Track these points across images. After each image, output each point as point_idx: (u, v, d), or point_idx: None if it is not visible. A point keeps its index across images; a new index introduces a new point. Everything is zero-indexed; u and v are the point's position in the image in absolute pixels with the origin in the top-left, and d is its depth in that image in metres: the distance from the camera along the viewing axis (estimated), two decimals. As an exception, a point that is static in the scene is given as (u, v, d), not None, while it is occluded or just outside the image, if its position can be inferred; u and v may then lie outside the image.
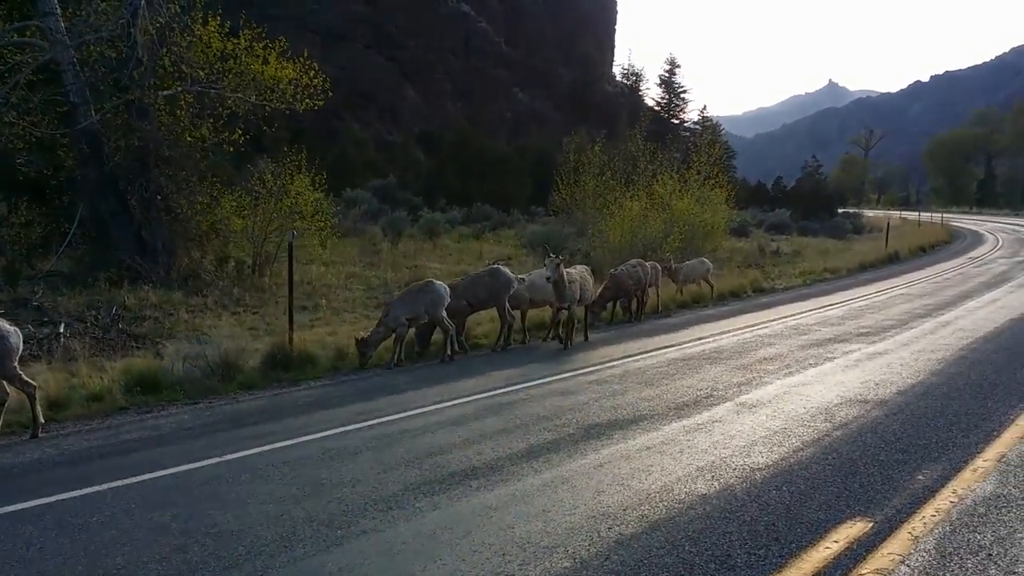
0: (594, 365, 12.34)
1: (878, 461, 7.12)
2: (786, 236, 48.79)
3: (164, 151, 21.24)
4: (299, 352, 12.61)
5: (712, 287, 22.47)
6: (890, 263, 34.51)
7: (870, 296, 22.13)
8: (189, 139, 21.58)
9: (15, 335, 8.84)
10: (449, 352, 13.20)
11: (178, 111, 21.48)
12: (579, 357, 13.18)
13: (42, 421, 8.95)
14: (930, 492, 6.32)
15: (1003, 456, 7.28)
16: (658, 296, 19.59)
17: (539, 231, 35.16)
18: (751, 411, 8.98)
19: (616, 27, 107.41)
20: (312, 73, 22.77)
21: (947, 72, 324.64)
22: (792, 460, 7.17)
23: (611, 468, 7.03)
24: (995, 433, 8.06)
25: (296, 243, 25.04)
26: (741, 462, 7.13)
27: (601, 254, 27.07)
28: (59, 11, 20.16)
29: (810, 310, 19.14)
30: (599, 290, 17.71)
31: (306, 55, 23.10)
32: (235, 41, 21.59)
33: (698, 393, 9.98)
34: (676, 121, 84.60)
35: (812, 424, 8.34)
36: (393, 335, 12.89)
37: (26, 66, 19.49)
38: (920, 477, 6.69)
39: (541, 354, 13.87)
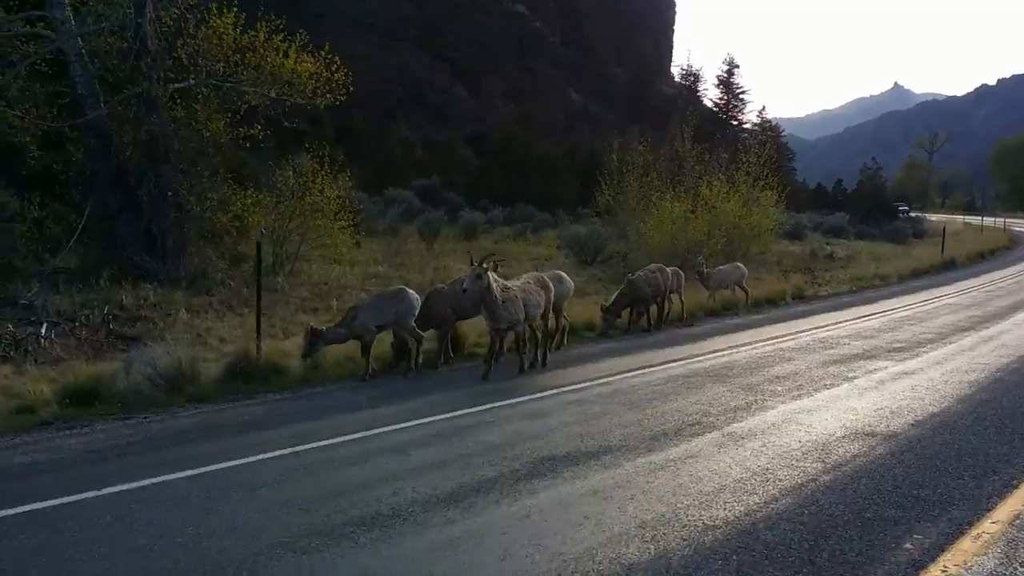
0: (584, 381, 11.11)
1: (862, 520, 5.81)
2: (843, 240, 46.92)
3: (174, 145, 20.53)
4: (267, 362, 11.64)
5: (747, 294, 21.06)
6: (945, 270, 32.65)
7: (915, 305, 20.56)
8: (205, 134, 20.85)
9: None
10: (413, 366, 12.10)
11: (195, 105, 20.76)
12: (571, 372, 11.95)
13: None
14: (914, 569, 5.03)
15: (1018, 516, 5.92)
16: (682, 303, 18.27)
17: (578, 233, 34.04)
18: (736, 444, 7.71)
19: (675, 27, 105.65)
20: (334, 68, 21.72)
21: (1015, 76, 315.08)
22: (758, 515, 5.90)
23: (537, 520, 5.82)
24: (1014, 482, 6.71)
25: (320, 242, 24.78)
26: (696, 517, 5.87)
27: (639, 257, 25.88)
28: (67, 0, 19.55)
29: (846, 320, 17.69)
30: (614, 295, 16.52)
31: (327, 49, 22.11)
32: (252, 33, 20.74)
33: (685, 419, 8.72)
34: (735, 122, 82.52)
35: (801, 464, 7.05)
36: (359, 341, 11.79)
37: (30, 56, 18.89)
38: (908, 546, 5.36)
39: (536, 366, 12.73)
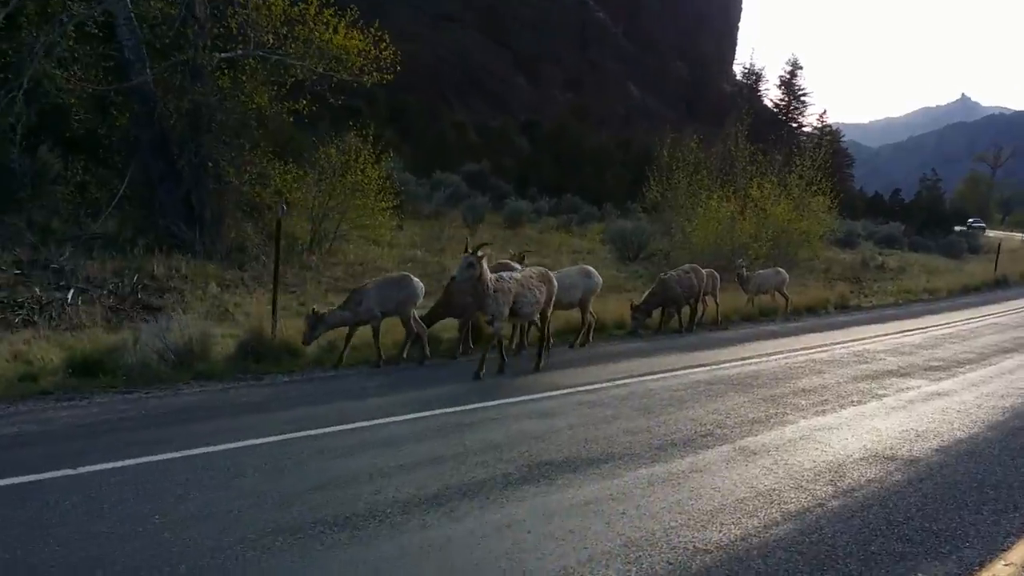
0: (602, 382, 10.73)
1: (866, 553, 5.37)
2: (896, 251, 45.85)
3: (218, 116, 20.43)
4: (281, 342, 11.42)
5: (787, 300, 20.50)
6: (996, 287, 31.64)
7: (959, 323, 19.84)
8: (250, 106, 20.71)
9: None
10: (406, 354, 11.78)
11: (241, 76, 20.63)
12: (591, 371, 11.56)
13: None
14: (913, 617, 4.62)
15: (1036, 562, 5.47)
16: (717, 306, 17.80)
17: (623, 228, 33.57)
18: (746, 460, 7.30)
19: (739, 26, 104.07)
20: (383, 46, 21.41)
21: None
22: (754, 541, 5.49)
23: (518, 531, 5.46)
24: (1037, 522, 6.24)
25: (360, 222, 24.62)
26: (688, 538, 5.48)
27: (682, 255, 25.40)
28: (119, -41, 19.50)
29: (886, 334, 17.08)
30: (645, 294, 16.12)
31: (377, 26, 21.84)
32: (302, 6, 20.53)
33: (697, 429, 8.32)
34: (794, 124, 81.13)
35: (811, 487, 6.63)
36: (365, 326, 11.54)
37: (77, 16, 18.86)
38: (910, 588, 4.97)
39: (555, 362, 12.38)
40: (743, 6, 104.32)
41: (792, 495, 6.41)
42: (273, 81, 20.96)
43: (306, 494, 5.97)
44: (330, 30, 20.65)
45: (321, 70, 20.76)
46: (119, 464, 6.45)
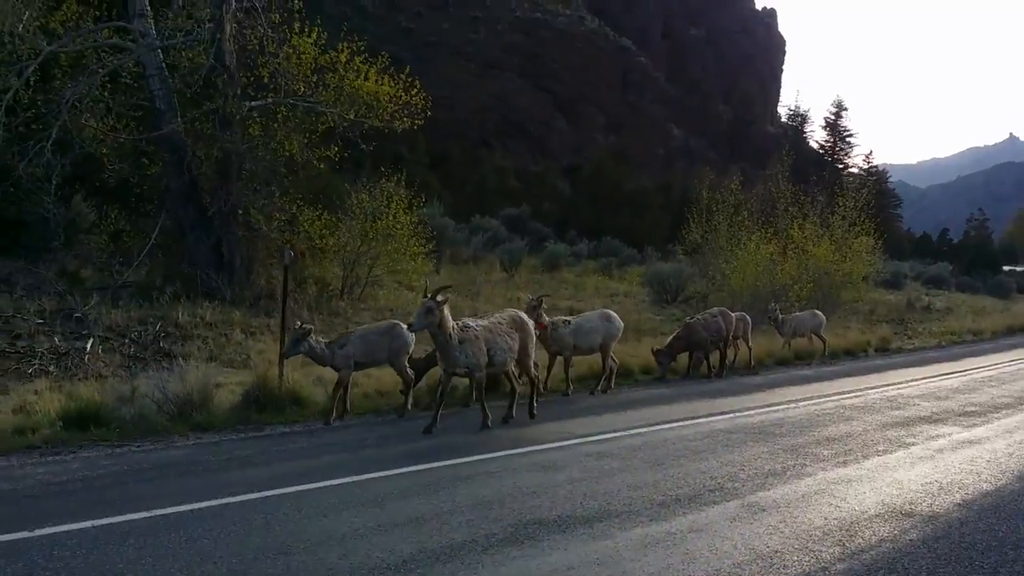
0: (616, 431, 10.30)
1: (864, 630, 4.94)
2: (943, 291, 44.79)
3: (247, 163, 20.51)
4: (288, 390, 11.17)
5: (824, 343, 19.93)
6: (1042, 327, 30.59)
7: (1000, 365, 19.10)
8: (281, 153, 20.76)
9: None
10: (410, 405, 11.33)
11: (273, 124, 20.71)
12: (606, 419, 11.12)
13: None
14: None
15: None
16: (749, 350, 17.29)
17: (661, 270, 33.19)
18: (752, 518, 6.84)
19: (783, 68, 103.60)
20: (414, 91, 21.39)
21: None
22: (745, 612, 5.08)
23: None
24: (1057, 592, 5.70)
25: (393, 267, 24.52)
26: (671, 608, 5.08)
27: (720, 298, 24.95)
28: (149, 12, 19.74)
29: (924, 378, 16.45)
30: (669, 339, 15.70)
31: (407, 72, 21.85)
32: (332, 54, 20.61)
33: (706, 483, 7.86)
34: (840, 166, 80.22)
35: (816, 548, 6.13)
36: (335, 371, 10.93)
37: (107, 67, 19.10)
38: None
39: (571, 410, 11.99)
40: (787, 49, 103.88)
41: (795, 557, 5.94)
42: (304, 128, 21.00)
43: (265, 560, 5.59)
44: (361, 77, 20.66)
45: (352, 116, 20.73)
46: (79, 526, 6.14)
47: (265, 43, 20.33)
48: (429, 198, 39.26)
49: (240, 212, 20.48)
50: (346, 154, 22.17)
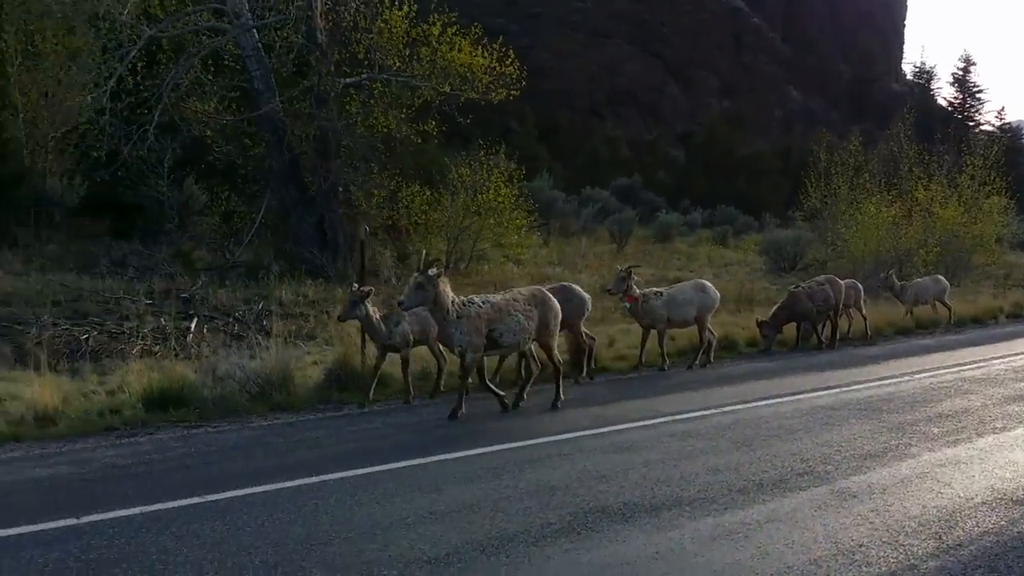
0: (707, 408, 9.70)
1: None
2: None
3: (344, 141, 20.53)
4: (370, 368, 10.91)
5: (950, 310, 18.73)
6: None
7: None
8: (380, 129, 20.73)
9: None
10: (440, 387, 10.69)
11: (370, 100, 20.66)
12: (698, 396, 10.52)
13: None
14: None
15: None
16: (864, 319, 16.32)
17: (778, 237, 32.07)
18: (841, 506, 6.20)
19: (905, 23, 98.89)
20: (508, 62, 20.99)
21: None
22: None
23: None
24: None
25: (496, 240, 24.27)
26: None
27: (840, 264, 23.88)
28: (245, -7, 19.85)
29: (1058, 346, 15.26)
30: (773, 309, 14.91)
31: (501, 42, 21.43)
32: (424, 27, 20.36)
33: (795, 467, 7.22)
34: (971, 123, 76.24)
35: (907, 542, 5.45)
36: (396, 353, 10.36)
37: (205, 49, 19.34)
38: None
39: (663, 385, 11.44)
40: (909, 3, 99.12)
41: (882, 552, 5.32)
42: (401, 103, 20.86)
43: (304, 552, 5.27)
44: (455, 49, 20.38)
45: (448, 89, 20.48)
46: (126, 513, 5.98)
47: (358, 19, 20.24)
48: (539, 170, 39.05)
49: (340, 190, 20.57)
50: (445, 128, 22.01)
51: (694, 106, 69.32)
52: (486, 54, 20.73)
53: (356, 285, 10.39)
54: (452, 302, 9.03)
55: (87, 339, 13.26)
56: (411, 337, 10.32)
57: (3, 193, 21.35)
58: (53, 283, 16.53)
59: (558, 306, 9.97)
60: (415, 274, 8.96)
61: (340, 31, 20.45)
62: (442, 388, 10.76)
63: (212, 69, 20.10)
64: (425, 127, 21.09)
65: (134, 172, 20.69)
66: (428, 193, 22.05)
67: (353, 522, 5.83)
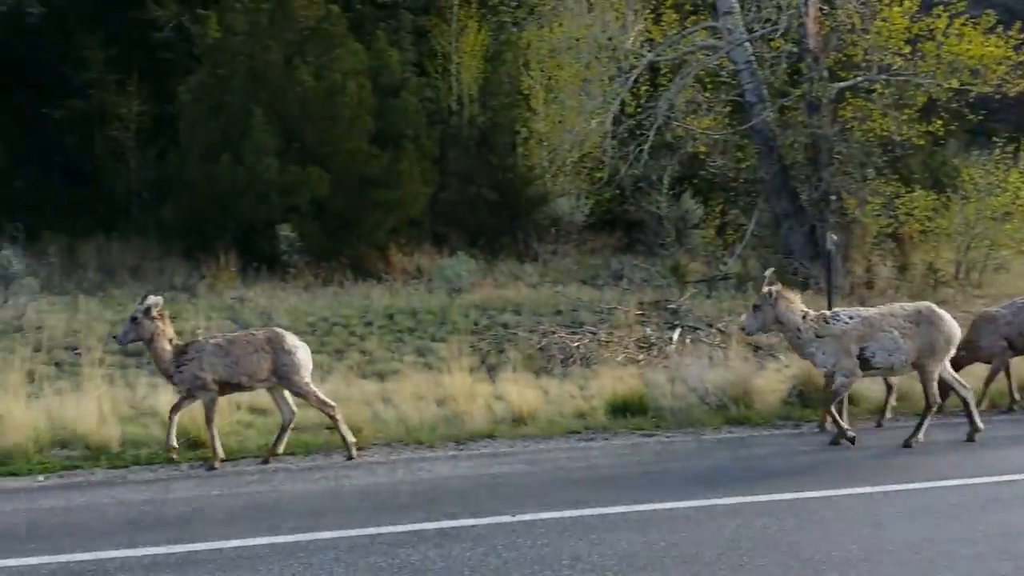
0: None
1: None
2: None
3: (837, 147, 19.97)
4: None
5: None
6: None
7: None
8: (878, 133, 19.89)
9: (303, 350, 8.35)
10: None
11: (868, 103, 19.99)
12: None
13: (352, 440, 8.32)
14: None
15: None
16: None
17: None
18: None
19: None
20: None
21: None
22: None
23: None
24: None
25: (1018, 248, 21.92)
26: None
27: None
28: (736, 7, 20.17)
29: None
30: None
31: (1017, 28, 19.40)
32: (928, 20, 19.11)
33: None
34: None
35: None
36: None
37: (696, 69, 20.04)
38: None
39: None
40: None
41: None
42: (901, 104, 19.79)
43: None
44: (964, 40, 18.86)
45: (957, 84, 19.03)
46: (476, 522, 6.25)
47: (854, 20, 19.57)
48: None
49: (833, 198, 20.02)
50: (954, 126, 20.41)
51: None
52: (999, 43, 18.88)
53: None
54: (805, 318, 8.40)
55: (578, 346, 14.38)
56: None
57: (528, 214, 23.99)
58: (559, 294, 18.18)
59: (953, 327, 8.62)
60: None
61: (834, 34, 19.96)
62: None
63: (708, 86, 20.71)
64: (930, 127, 19.70)
65: (633, 190, 21.98)
66: (933, 198, 20.55)
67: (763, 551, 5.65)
